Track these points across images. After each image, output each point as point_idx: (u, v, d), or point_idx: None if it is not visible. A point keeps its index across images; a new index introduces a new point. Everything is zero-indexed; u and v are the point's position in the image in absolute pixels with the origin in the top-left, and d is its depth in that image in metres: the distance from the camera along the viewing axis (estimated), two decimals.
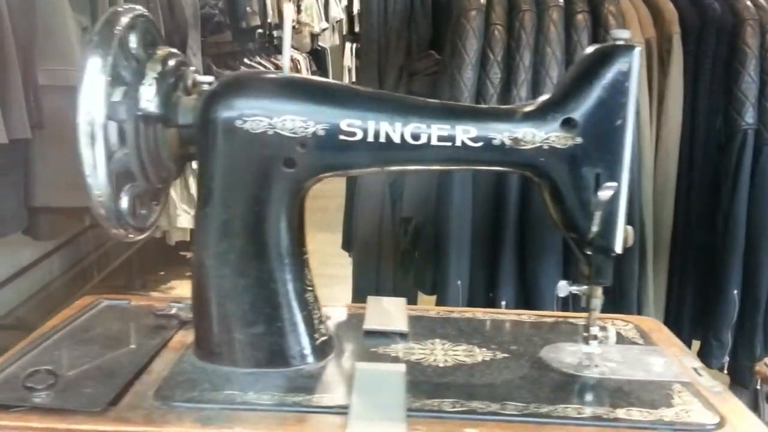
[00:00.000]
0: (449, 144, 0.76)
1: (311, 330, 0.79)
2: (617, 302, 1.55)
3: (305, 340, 0.78)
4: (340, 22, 6.03)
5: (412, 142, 0.76)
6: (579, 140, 0.74)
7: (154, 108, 0.73)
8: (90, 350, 0.79)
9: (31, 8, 2.14)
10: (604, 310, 0.89)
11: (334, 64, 6.10)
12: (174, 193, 3.63)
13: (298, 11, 5.06)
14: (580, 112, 0.75)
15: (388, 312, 0.93)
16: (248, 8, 3.92)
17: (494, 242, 1.69)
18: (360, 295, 2.20)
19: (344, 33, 6.17)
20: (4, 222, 2.27)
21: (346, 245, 2.92)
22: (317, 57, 5.64)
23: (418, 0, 2.04)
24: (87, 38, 0.68)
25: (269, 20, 4.37)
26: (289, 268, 0.78)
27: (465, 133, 0.76)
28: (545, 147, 0.75)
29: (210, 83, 0.79)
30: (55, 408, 0.67)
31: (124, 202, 0.75)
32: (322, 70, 5.68)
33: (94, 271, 3.35)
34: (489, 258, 1.70)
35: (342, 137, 0.75)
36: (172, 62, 0.77)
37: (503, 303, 1.67)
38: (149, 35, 0.79)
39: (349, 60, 6.14)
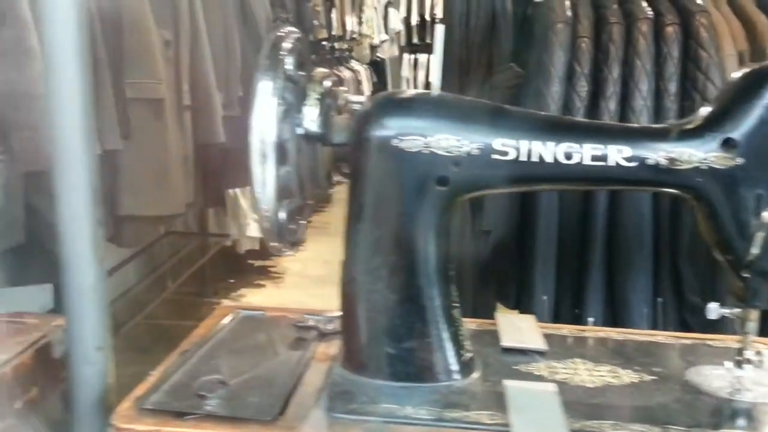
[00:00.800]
0: (602, 164, 0.76)
1: (458, 346, 0.80)
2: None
3: (453, 357, 0.80)
4: (398, 33, 6.08)
5: (564, 161, 0.76)
6: (740, 161, 0.74)
7: (316, 127, 0.76)
8: (244, 360, 0.82)
9: (120, 24, 2.23)
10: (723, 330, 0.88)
11: (393, 75, 6.15)
12: (244, 202, 3.72)
13: (359, 23, 5.12)
14: (740, 131, 0.74)
15: (521, 329, 0.94)
16: (315, 21, 3.99)
17: (581, 257, 1.67)
18: None
19: (402, 44, 6.21)
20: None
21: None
22: (376, 68, 5.70)
23: (500, 13, 2.05)
24: (259, 63, 0.70)
25: (333, 33, 4.44)
26: (437, 285, 0.79)
27: (618, 152, 0.76)
28: (703, 167, 0.75)
29: (361, 103, 0.81)
30: (228, 416, 0.70)
31: (283, 217, 0.77)
32: (381, 81, 5.73)
33: (168, 278, 3.44)
34: (575, 273, 1.68)
35: (495, 156, 0.76)
36: (328, 83, 0.79)
37: (590, 320, 1.65)
38: (301, 56, 0.82)
39: (407, 71, 6.17)
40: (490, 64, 2.01)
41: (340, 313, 0.84)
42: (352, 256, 0.81)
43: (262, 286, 3.77)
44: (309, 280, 3.84)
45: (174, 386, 0.76)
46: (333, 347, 0.88)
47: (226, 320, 0.95)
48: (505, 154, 0.76)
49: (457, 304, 0.82)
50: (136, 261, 3.17)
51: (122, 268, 3.00)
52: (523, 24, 2.04)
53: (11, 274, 1.90)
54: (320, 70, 0.81)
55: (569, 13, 1.67)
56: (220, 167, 3.18)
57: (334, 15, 4.30)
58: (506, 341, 0.89)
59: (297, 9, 3.76)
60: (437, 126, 0.76)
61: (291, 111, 0.76)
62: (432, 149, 0.76)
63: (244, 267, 3.83)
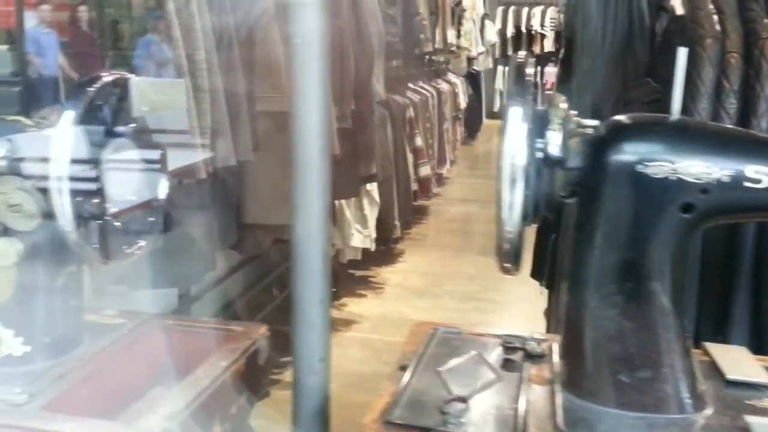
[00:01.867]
0: None
1: (692, 378, 0.78)
2: None
3: (687, 388, 0.77)
4: (493, 45, 6.05)
5: None
6: None
7: (558, 152, 0.76)
8: (464, 379, 0.82)
9: (252, 39, 2.32)
10: None
11: (486, 87, 6.13)
12: (348, 213, 3.77)
13: (458, 36, 5.13)
14: None
15: (739, 361, 0.90)
16: (422, 35, 4.02)
17: (724, 285, 1.61)
18: (559, 326, 2.16)
19: (496, 56, 6.18)
20: (224, 238, 2.45)
21: (537, 275, 2.89)
22: (471, 80, 5.69)
23: (637, 26, 2.00)
24: (508, 89, 0.71)
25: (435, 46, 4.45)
26: (673, 313, 0.77)
27: None
28: None
29: (593, 127, 0.80)
30: None
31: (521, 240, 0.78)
32: (476, 93, 5.72)
33: (273, 286, 3.53)
34: (718, 301, 1.62)
35: (747, 184, 0.74)
36: (565, 106, 0.79)
37: None
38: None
39: (500, 83, 6.14)
40: (626, 79, 1.97)
41: (558, 337, 0.83)
42: (582, 281, 0.80)
43: (364, 296, 3.81)
44: (409, 292, 3.85)
45: (412, 402, 0.77)
46: (545, 370, 0.87)
47: (426, 336, 0.96)
48: (758, 181, 0.74)
49: (689, 334, 0.80)
50: (245, 269, 3.27)
51: (231, 276, 3.10)
52: (661, 38, 1.98)
53: (146, 276, 1.99)
54: (558, 95, 0.81)
55: (717, 27, 1.62)
56: (331, 178, 3.23)
57: (438, 29, 4.33)
58: (732, 374, 0.86)
59: (405, 23, 3.80)
60: (685, 151, 0.75)
61: (532, 135, 0.76)
62: (679, 175, 0.74)
63: (345, 276, 3.88)
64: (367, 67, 3.29)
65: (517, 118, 0.73)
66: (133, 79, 0.93)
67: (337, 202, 3.56)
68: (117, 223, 0.88)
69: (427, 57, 4.52)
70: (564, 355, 0.83)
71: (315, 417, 0.86)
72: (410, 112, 4.14)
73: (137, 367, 0.98)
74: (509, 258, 0.77)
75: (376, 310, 3.57)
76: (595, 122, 0.81)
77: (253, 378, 0.97)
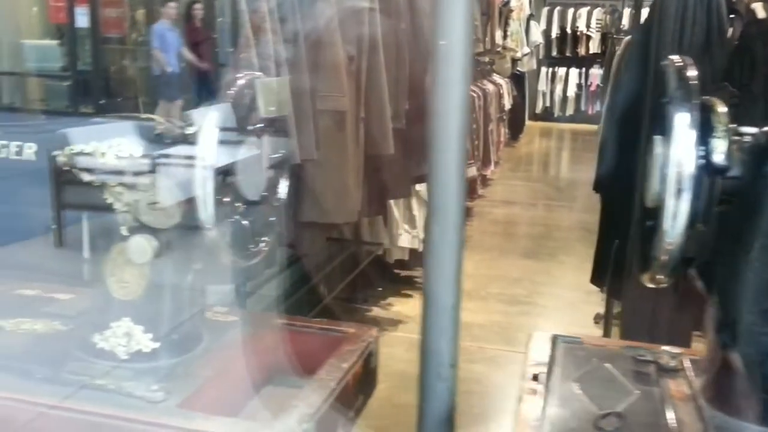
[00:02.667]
0: None
1: None
2: None
3: None
4: (538, 46, 5.99)
5: None
6: None
7: (723, 160, 0.73)
8: (604, 392, 0.80)
9: (317, 39, 2.32)
10: None
11: (530, 88, 6.07)
12: (397, 213, 3.76)
13: (504, 36, 5.08)
14: None
15: None
16: (474, 36, 4.00)
17: None
18: (631, 334, 2.13)
19: (540, 57, 6.12)
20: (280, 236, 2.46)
21: (597, 280, 2.85)
22: (516, 81, 5.64)
23: (715, 30, 1.95)
24: (671, 94, 0.69)
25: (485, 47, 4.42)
26: None
27: None
28: None
29: (753, 135, 0.78)
30: None
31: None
32: (520, 94, 5.67)
33: (321, 284, 3.52)
34: None
35: None
36: (725, 110, 0.77)
37: None
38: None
39: (544, 85, 6.08)
40: (703, 83, 1.93)
41: (699, 353, 0.81)
42: (736, 295, 0.77)
43: (410, 296, 3.79)
44: None
45: (560, 416, 0.75)
46: (683, 385, 0.85)
47: (543, 344, 0.94)
48: None
49: None
50: (294, 268, 3.27)
51: (281, 275, 3.10)
52: (738, 42, 1.94)
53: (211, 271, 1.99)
54: (716, 99, 0.78)
55: None
56: (384, 178, 3.23)
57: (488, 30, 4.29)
58: None
59: None
60: None
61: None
62: None
63: (391, 276, 3.87)
64: (422, 66, 3.27)
65: (684, 125, 0.70)
66: (262, 79, 0.92)
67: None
68: (245, 222, 0.88)
69: (475, 58, 4.49)
70: (710, 370, 0.80)
71: (441, 424, 0.84)
72: None
73: (253, 365, 0.97)
74: (666, 270, 0.74)
75: (421, 310, 3.55)
76: (753, 130, 0.78)
77: (368, 380, 0.96)
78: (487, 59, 4.98)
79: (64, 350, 0.90)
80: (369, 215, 3.46)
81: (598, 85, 6.14)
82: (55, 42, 5.53)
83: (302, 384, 1.01)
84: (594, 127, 8.47)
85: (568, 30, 5.93)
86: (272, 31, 1.78)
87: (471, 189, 4.30)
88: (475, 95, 4.48)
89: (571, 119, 6.27)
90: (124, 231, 0.86)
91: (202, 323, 0.94)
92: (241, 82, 0.88)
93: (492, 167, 4.96)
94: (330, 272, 3.63)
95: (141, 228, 0.84)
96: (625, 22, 4.85)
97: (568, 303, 3.78)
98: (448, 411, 0.85)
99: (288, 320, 1.05)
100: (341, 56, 2.54)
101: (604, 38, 5.94)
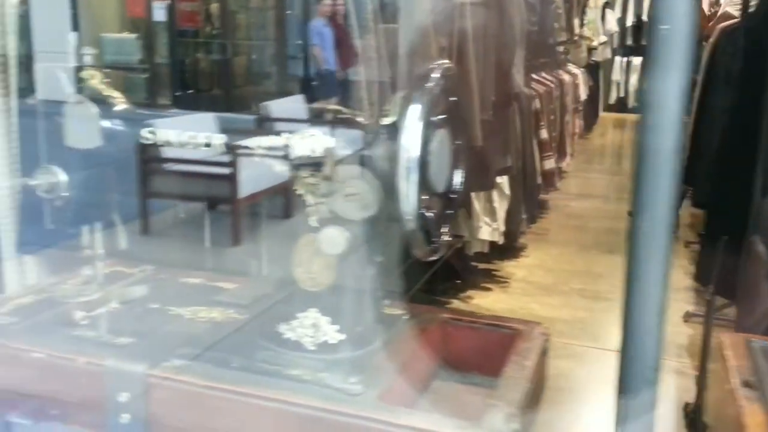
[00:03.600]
0: None
1: None
2: None
3: None
4: (612, 35, 5.84)
5: None
6: None
7: None
8: None
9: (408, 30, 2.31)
10: None
11: (605, 78, 5.92)
12: (477, 205, 3.72)
13: (581, 25, 4.96)
14: None
15: None
16: (556, 24, 3.90)
17: None
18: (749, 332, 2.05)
19: (614, 46, 5.96)
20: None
21: (703, 279, 2.76)
22: (591, 71, 5.50)
23: None
24: None
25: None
26: None
27: None
28: None
29: None
30: None
31: None
32: (595, 84, 5.53)
33: (402, 276, 3.51)
34: None
35: None
36: None
37: None
38: None
39: (618, 74, 5.92)
40: None
41: None
42: None
43: (489, 289, 3.75)
44: (535, 287, 3.76)
45: None
46: None
47: (740, 348, 0.91)
48: None
49: None
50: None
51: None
52: None
53: None
54: None
55: None
56: (468, 170, 3.18)
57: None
58: None
59: (542, 12, 3.69)
60: None
61: None
62: None
63: (470, 269, 3.83)
64: (509, 57, 3.22)
65: None
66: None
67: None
68: (430, 214, 0.86)
69: (556, 47, 4.40)
70: None
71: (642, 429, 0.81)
72: (536, 104, 4.04)
73: (425, 360, 0.96)
74: None
75: (503, 304, 3.51)
76: None
77: (542, 378, 0.94)
78: (562, 48, 4.88)
79: (248, 339, 0.90)
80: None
81: None
82: (132, 36, 5.67)
83: (469, 380, 1.00)
84: None
85: (644, 18, 5.75)
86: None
87: (550, 182, 4.22)
88: (552, 85, 4.39)
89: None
90: (313, 222, 0.86)
91: (381, 317, 0.94)
92: (435, 74, 0.86)
93: (568, 159, 4.86)
94: (411, 264, 3.62)
95: (333, 219, 0.84)
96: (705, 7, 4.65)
97: None
98: (651, 415, 0.82)
99: (454, 315, 1.03)
100: (433, 47, 2.53)
101: None
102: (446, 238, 0.93)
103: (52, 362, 0.85)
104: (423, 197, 0.87)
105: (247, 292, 1.03)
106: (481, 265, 3.95)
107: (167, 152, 3.87)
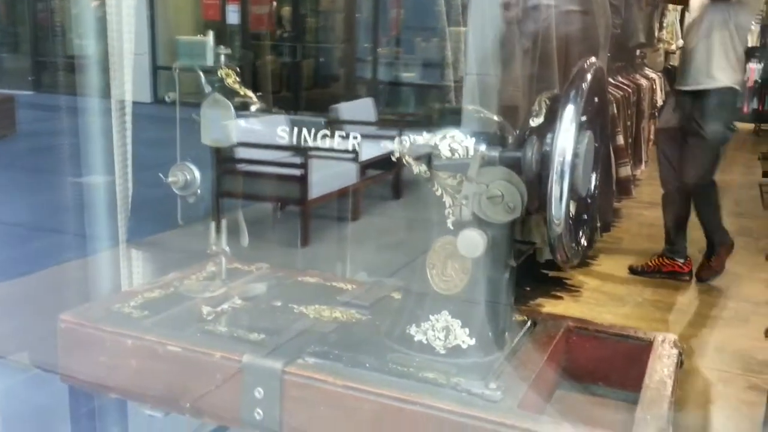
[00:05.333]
0: None
1: None
2: None
3: None
4: None
5: None
6: None
7: None
8: None
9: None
10: None
11: None
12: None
13: (660, 28, 4.81)
14: None
15: None
16: (638, 26, 3.80)
17: None
18: None
19: None
20: None
21: None
22: (667, 75, 5.34)
23: None
24: None
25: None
26: None
27: None
28: None
29: None
30: None
31: None
32: (672, 89, 5.35)
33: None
34: None
35: None
36: None
37: None
38: None
39: None
40: None
41: None
42: None
43: (560, 297, 3.67)
44: (607, 297, 3.66)
45: None
46: None
47: None
48: None
49: None
50: None
51: None
52: None
53: None
54: None
55: None
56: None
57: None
58: None
59: (626, 14, 3.60)
60: None
61: None
62: None
63: (540, 276, 3.76)
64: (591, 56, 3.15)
65: None
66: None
67: None
68: (557, 221, 0.84)
69: (637, 51, 4.29)
70: None
71: None
72: (613, 108, 3.94)
73: (551, 368, 0.93)
74: None
75: (574, 313, 3.43)
76: None
77: (675, 389, 0.89)
78: (640, 52, 4.75)
79: (376, 341, 0.90)
80: (531, 212, 3.39)
81: (755, 81, 5.66)
82: (206, 38, 5.80)
83: (592, 391, 0.97)
84: (750, 126, 7.88)
85: None
86: None
87: (626, 189, 4.11)
88: (629, 90, 4.28)
89: None
90: (450, 224, 0.85)
91: (510, 322, 0.92)
92: (588, 73, 0.84)
93: (643, 167, 4.72)
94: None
95: (470, 222, 0.82)
96: None
97: (736, 314, 3.53)
98: None
99: (580, 323, 1.00)
100: (518, 49, 2.50)
101: (764, 31, 5.49)
102: (584, 243, 0.90)
103: (188, 356, 0.86)
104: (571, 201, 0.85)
105: (368, 294, 1.03)
106: (552, 273, 3.88)
107: (240, 152, 3.95)
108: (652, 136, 5.07)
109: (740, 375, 2.94)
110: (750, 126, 7.87)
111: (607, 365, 0.96)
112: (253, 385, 0.82)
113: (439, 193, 0.85)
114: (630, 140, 4.34)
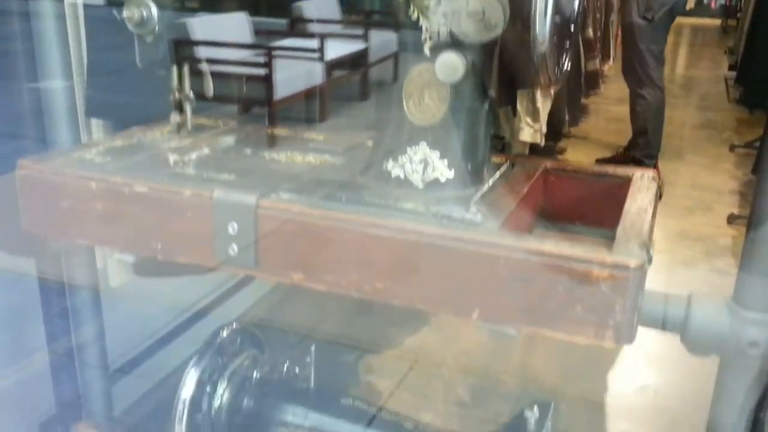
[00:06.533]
0: None
1: None
2: None
3: None
4: None
5: None
6: None
7: None
8: None
9: None
10: None
11: None
12: (520, 105, 3.61)
13: None
14: None
15: None
16: None
17: None
18: None
19: None
20: None
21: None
22: None
23: None
24: None
25: None
26: None
27: None
28: None
29: None
30: None
31: None
32: None
33: None
34: None
35: None
36: None
37: None
38: None
39: None
40: None
41: None
42: None
43: None
44: None
45: None
46: None
47: None
48: None
49: None
50: None
51: None
52: None
53: None
54: None
55: None
56: (517, 64, 3.07)
57: None
58: None
59: None
60: None
61: None
62: None
63: None
64: None
65: None
66: None
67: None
68: (541, 40, 0.80)
69: None
70: None
71: None
72: (584, 1, 3.85)
73: (530, 207, 0.93)
74: None
75: None
76: None
77: (655, 217, 0.89)
78: None
79: (350, 179, 0.87)
80: (500, 105, 3.34)
81: None
82: None
83: (571, 230, 0.97)
84: (717, 21, 7.84)
85: None
86: None
87: (594, 83, 4.09)
88: None
89: (691, 13, 5.79)
90: (427, 50, 0.81)
91: (489, 159, 0.90)
92: None
93: (611, 62, 4.69)
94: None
95: (449, 45, 0.78)
96: None
97: (700, 203, 3.62)
98: None
99: (558, 165, 0.99)
100: None
101: None
102: (567, 68, 0.87)
103: (155, 196, 0.83)
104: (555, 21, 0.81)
105: (341, 140, 1.00)
106: None
107: (201, 51, 3.78)
108: (619, 31, 5.00)
109: (703, 259, 3.04)
110: (717, 22, 7.83)
111: (585, 204, 0.95)
112: (226, 221, 0.80)
113: (415, 16, 0.80)
114: (599, 34, 4.28)
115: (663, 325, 0.79)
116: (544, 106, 3.68)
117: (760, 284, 0.77)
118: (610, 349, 2.63)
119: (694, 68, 6.35)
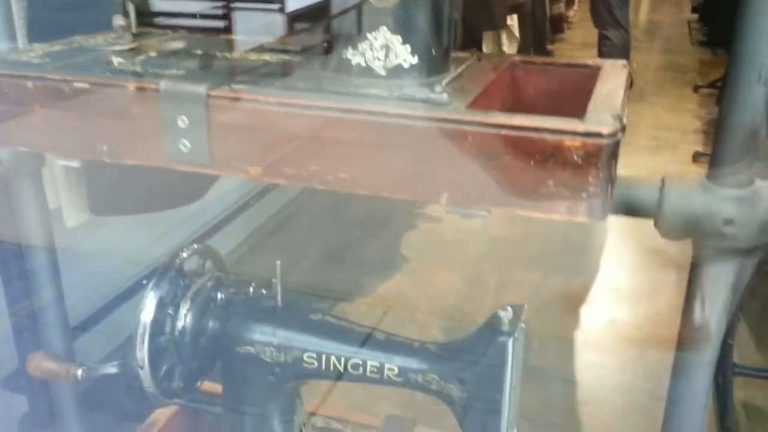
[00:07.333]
0: None
1: None
2: None
3: None
4: None
5: None
6: None
7: None
8: None
9: None
10: None
11: None
12: (485, 48, 3.57)
13: None
14: None
15: None
16: None
17: None
18: None
19: None
20: None
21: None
22: None
23: None
24: None
25: None
26: None
27: None
28: None
29: None
30: None
31: None
32: None
33: None
34: None
35: None
36: None
37: None
38: None
39: None
40: None
41: None
42: None
43: None
44: None
45: None
46: None
47: None
48: None
49: None
50: None
51: None
52: None
53: None
54: None
55: None
56: (479, 8, 3.03)
57: None
58: None
59: None
60: None
61: None
62: None
63: None
64: None
65: None
66: None
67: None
68: None
69: None
70: None
71: None
72: None
73: (501, 98, 0.89)
74: None
75: None
76: None
77: (626, 100, 0.86)
78: None
79: (309, 72, 0.82)
80: (464, 46, 3.30)
81: None
82: None
83: None
84: None
85: None
86: None
87: (559, 27, 4.05)
88: None
89: None
90: None
91: (452, 44, 0.85)
92: None
93: (575, 6, 4.66)
94: None
95: None
96: None
97: (665, 143, 3.65)
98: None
99: (526, 59, 0.95)
100: None
101: None
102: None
103: (97, 92, 0.77)
104: None
105: (300, 40, 0.94)
106: None
107: (157, 5, 3.65)
108: None
109: None
110: None
111: (554, 95, 0.92)
112: (175, 114, 0.74)
113: None
114: None
115: (637, 210, 0.77)
116: (510, 48, 3.65)
117: (734, 159, 0.75)
118: (579, 287, 2.65)
119: (657, 13, 6.38)
